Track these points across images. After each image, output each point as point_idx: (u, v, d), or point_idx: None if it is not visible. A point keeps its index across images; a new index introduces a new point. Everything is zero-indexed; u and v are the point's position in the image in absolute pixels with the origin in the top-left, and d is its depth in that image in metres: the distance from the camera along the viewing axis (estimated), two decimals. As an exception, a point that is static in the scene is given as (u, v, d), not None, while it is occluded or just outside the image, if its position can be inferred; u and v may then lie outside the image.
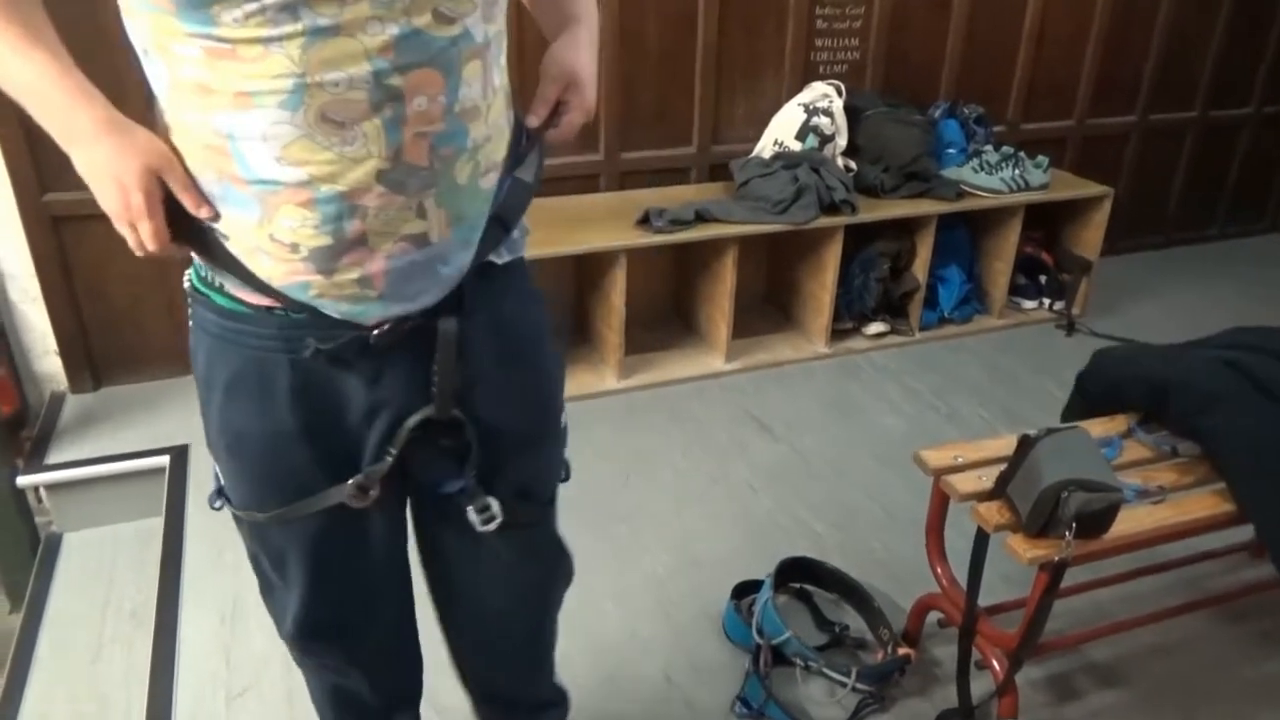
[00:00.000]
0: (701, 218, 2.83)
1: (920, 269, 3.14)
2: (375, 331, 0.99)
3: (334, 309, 0.97)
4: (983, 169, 3.18)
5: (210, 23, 0.82)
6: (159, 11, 0.83)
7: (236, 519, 1.16)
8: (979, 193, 3.16)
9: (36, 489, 2.38)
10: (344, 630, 1.26)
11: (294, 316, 0.98)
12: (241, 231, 0.93)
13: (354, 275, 0.95)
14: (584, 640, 1.92)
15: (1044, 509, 1.45)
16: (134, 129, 0.91)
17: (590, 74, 1.14)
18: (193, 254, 1.01)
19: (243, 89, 0.84)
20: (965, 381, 3.00)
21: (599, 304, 2.94)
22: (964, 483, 1.64)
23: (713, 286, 3.01)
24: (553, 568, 1.35)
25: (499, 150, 1.02)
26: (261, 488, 1.09)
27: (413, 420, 1.04)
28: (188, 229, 0.94)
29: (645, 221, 2.79)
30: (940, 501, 1.72)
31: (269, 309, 0.98)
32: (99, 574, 2.20)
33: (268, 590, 1.24)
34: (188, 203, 0.92)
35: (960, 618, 1.68)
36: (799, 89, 3.16)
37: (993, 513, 1.55)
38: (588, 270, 2.98)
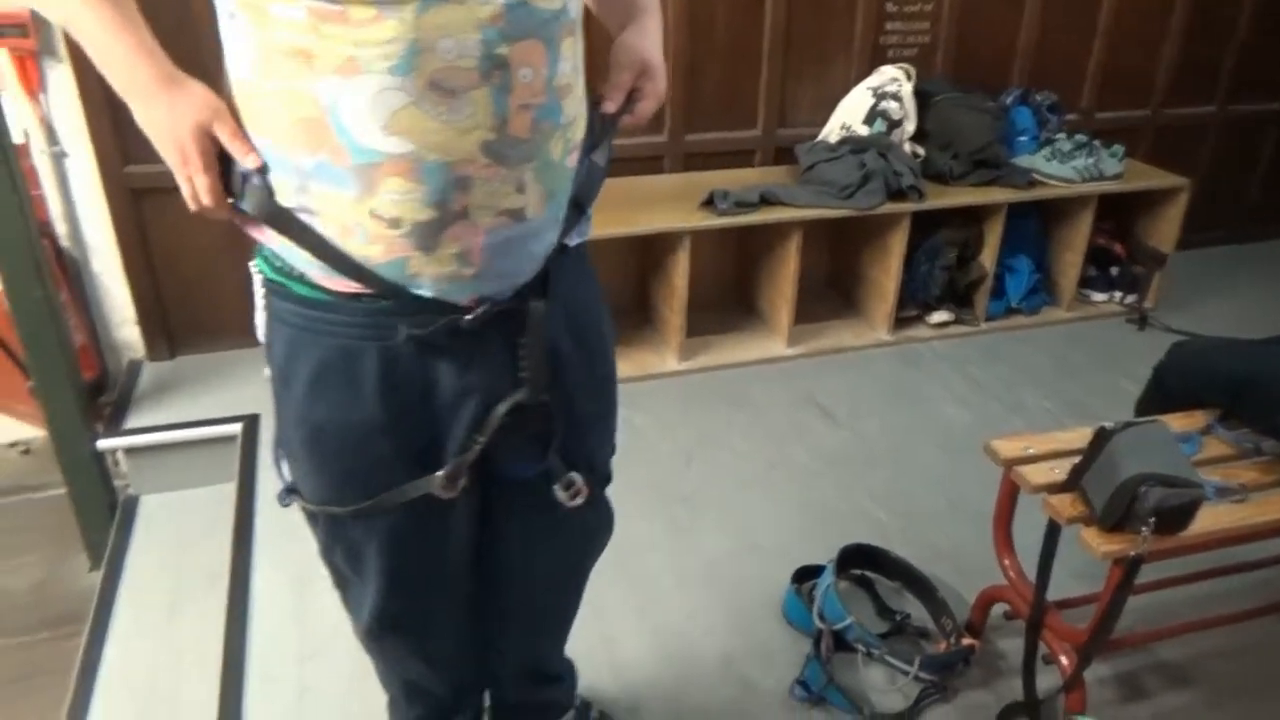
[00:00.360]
0: (766, 201, 2.82)
1: (988, 258, 3.09)
2: (469, 315, 0.98)
3: (429, 288, 0.96)
4: (1055, 157, 3.11)
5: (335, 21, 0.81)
6: None
7: (309, 515, 1.15)
8: (1051, 181, 3.10)
9: (115, 452, 2.46)
10: (420, 623, 1.27)
11: (382, 303, 0.97)
12: (337, 209, 0.91)
13: (454, 250, 0.94)
14: (642, 619, 1.94)
15: (1121, 503, 1.42)
16: (189, 83, 0.92)
17: (660, 61, 1.16)
18: (265, 243, 0.99)
19: (350, 54, 0.83)
20: (1032, 373, 2.95)
21: (661, 285, 2.94)
22: (1035, 474, 1.62)
23: (775, 270, 2.99)
24: (604, 535, 1.40)
25: (580, 130, 1.03)
26: (342, 481, 1.08)
27: (504, 406, 1.04)
28: (242, 190, 0.94)
29: (709, 203, 2.78)
30: (1010, 492, 1.70)
31: (354, 295, 0.97)
32: (174, 536, 2.26)
33: (342, 585, 1.24)
34: (236, 152, 0.92)
35: (1027, 611, 1.66)
36: (867, 73, 3.12)
37: (1066, 505, 1.52)
38: (651, 251, 2.98)
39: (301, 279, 0.98)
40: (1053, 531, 1.57)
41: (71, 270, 2.62)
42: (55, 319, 2.16)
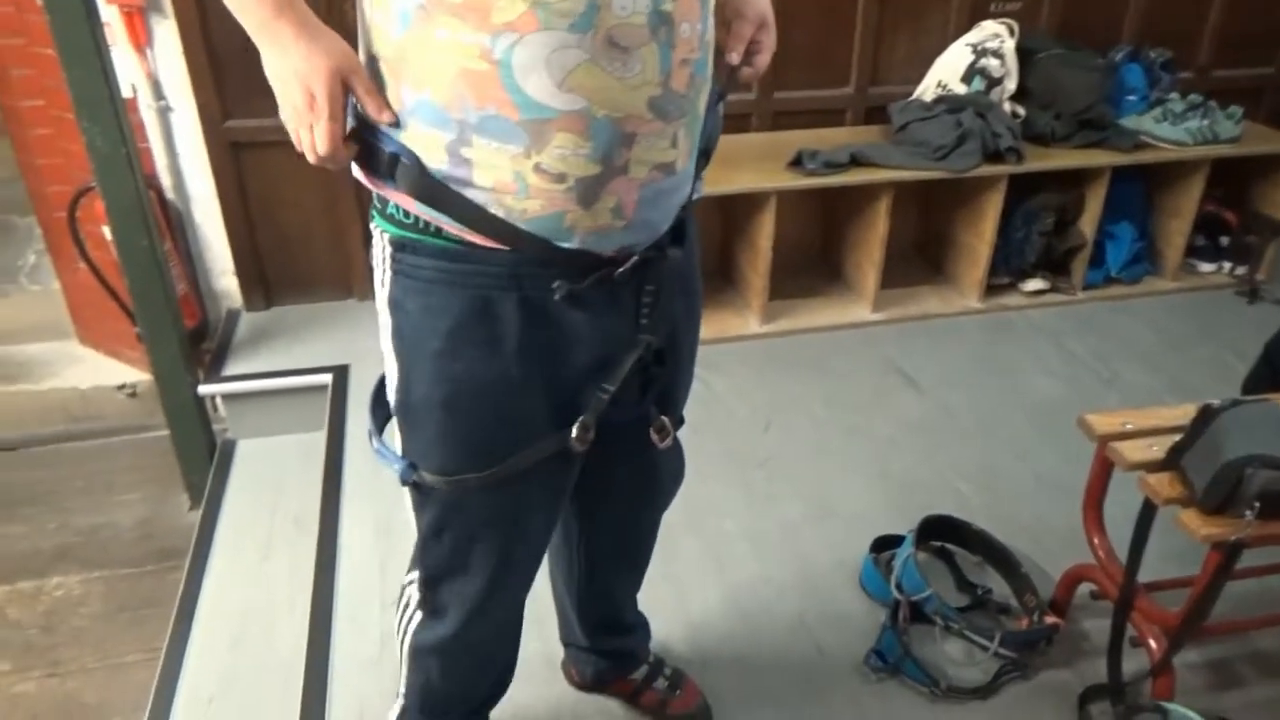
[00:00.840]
0: (856, 161, 2.75)
1: (1088, 224, 2.96)
2: (621, 268, 1.01)
3: (576, 240, 0.97)
4: (1166, 118, 2.96)
5: None
6: None
7: (423, 493, 1.13)
8: (1160, 144, 2.94)
9: (213, 398, 2.56)
10: (509, 610, 1.29)
11: (522, 253, 0.97)
12: (499, 162, 0.91)
13: (611, 204, 0.96)
14: (718, 578, 1.95)
15: (1224, 485, 1.36)
16: (325, 32, 0.92)
17: (772, 15, 1.15)
18: (387, 200, 0.99)
19: (530, 10, 0.84)
20: (1131, 346, 2.83)
21: (745, 246, 2.90)
22: (1132, 451, 1.55)
23: (863, 233, 2.93)
24: (681, 476, 1.44)
25: (713, 84, 1.05)
26: (478, 444, 1.07)
27: (633, 354, 1.06)
28: (392, 171, 0.95)
29: (797, 163, 2.73)
30: (1103, 469, 1.64)
31: (492, 248, 0.97)
32: (268, 480, 2.36)
33: (446, 575, 1.20)
34: (370, 107, 0.93)
35: (1116, 591, 1.61)
36: (967, 28, 2.99)
37: (1164, 484, 1.46)
38: (735, 211, 2.94)
39: (437, 232, 0.98)
40: (1148, 511, 1.51)
41: (175, 221, 2.71)
42: (160, 269, 2.24)
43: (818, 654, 1.80)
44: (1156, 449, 1.54)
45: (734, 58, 1.11)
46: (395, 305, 1.03)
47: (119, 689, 2.01)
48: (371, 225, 1.05)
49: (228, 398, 2.54)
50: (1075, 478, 1.70)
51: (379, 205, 1.02)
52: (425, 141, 0.93)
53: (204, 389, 2.49)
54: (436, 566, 1.20)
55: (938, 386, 2.63)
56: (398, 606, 1.31)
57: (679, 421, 1.30)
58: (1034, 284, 3.04)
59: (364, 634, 1.84)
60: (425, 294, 1.01)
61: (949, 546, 2.00)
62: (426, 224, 0.98)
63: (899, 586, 1.80)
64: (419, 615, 1.26)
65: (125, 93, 2.08)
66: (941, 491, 2.21)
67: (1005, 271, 3.04)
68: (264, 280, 2.87)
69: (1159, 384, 2.64)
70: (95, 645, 2.07)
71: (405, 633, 1.29)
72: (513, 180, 0.92)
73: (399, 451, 1.12)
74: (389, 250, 1.02)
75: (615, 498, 1.36)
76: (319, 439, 2.40)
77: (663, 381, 1.16)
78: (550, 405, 1.07)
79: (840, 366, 2.72)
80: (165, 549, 2.35)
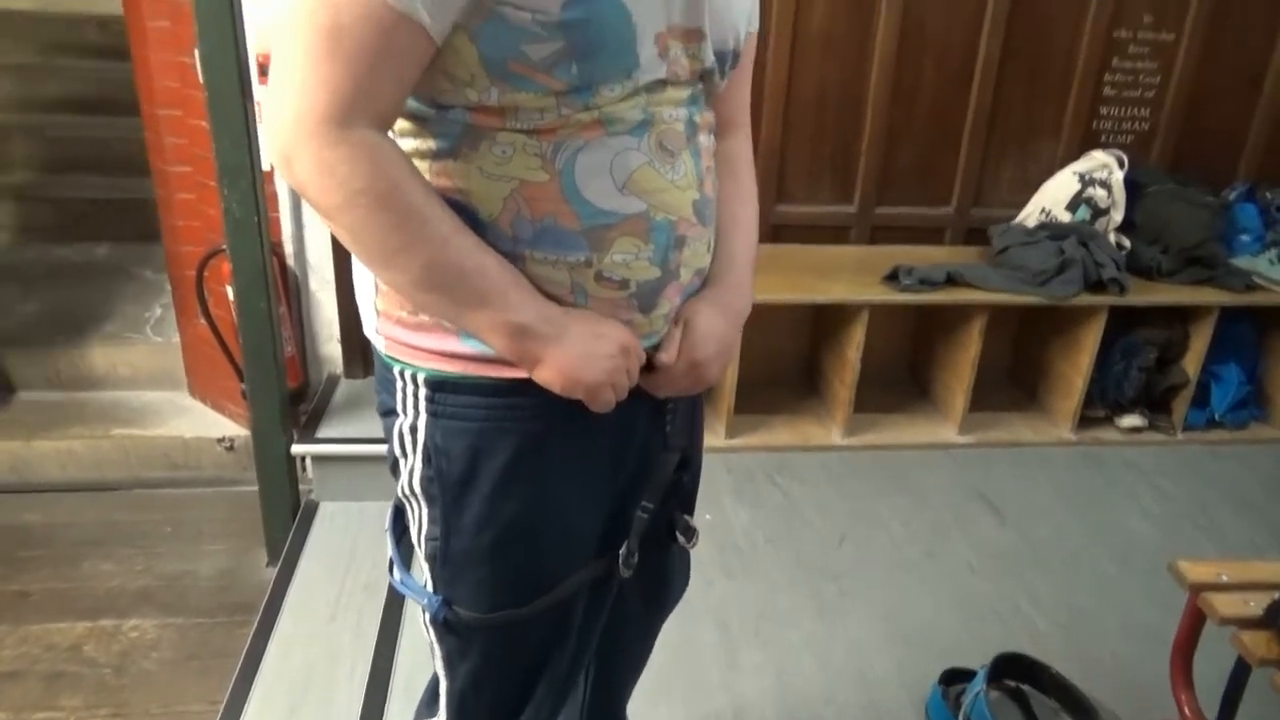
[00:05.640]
0: (953, 280, 2.74)
1: (1192, 363, 2.87)
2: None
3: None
4: (1281, 261, 2.87)
5: (590, 95, 0.87)
6: (534, 93, 0.86)
7: (465, 638, 1.06)
8: (1274, 286, 2.85)
9: (304, 458, 2.66)
10: None
11: None
12: (557, 276, 0.92)
13: (665, 310, 0.99)
14: (777, 693, 1.90)
15: (1324, 653, 1.28)
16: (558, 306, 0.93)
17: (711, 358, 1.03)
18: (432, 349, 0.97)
19: (592, 120, 0.89)
20: (1233, 494, 2.70)
21: (833, 357, 2.90)
22: (1227, 604, 1.48)
23: (954, 353, 2.89)
24: (688, 576, 1.36)
25: None
26: (524, 581, 1.03)
27: (670, 465, 1.07)
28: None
29: (893, 278, 2.73)
30: (1194, 621, 1.56)
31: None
32: (345, 544, 2.42)
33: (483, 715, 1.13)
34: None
35: (1202, 755, 1.51)
36: (1075, 157, 2.99)
37: (1260, 644, 1.38)
38: (826, 321, 2.96)
39: (484, 369, 0.95)
40: (1241, 671, 1.43)
41: (292, 286, 2.87)
42: (273, 330, 2.37)
43: (875, 785, 1.72)
44: (1254, 605, 1.46)
45: (663, 358, 1.00)
46: (436, 451, 0.98)
47: (178, 737, 2.05)
48: (398, 370, 1.00)
49: (317, 459, 2.63)
50: (1164, 627, 1.62)
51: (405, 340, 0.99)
52: None
53: (296, 448, 2.59)
54: (473, 712, 1.14)
55: (1022, 516, 2.54)
56: None
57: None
58: (1131, 420, 2.94)
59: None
60: (472, 436, 0.96)
61: (1023, 687, 1.91)
62: (471, 359, 0.95)
63: (966, 723, 1.72)
64: None
65: (265, 165, 2.24)
66: (1019, 627, 2.12)
67: (1101, 404, 2.96)
68: (365, 350, 2.99)
69: (1261, 537, 2.50)
70: (161, 691, 2.12)
71: None
72: (570, 292, 0.93)
73: (427, 586, 1.06)
74: (424, 392, 0.97)
75: (628, 604, 1.26)
76: (397, 508, 2.45)
77: (686, 487, 1.15)
78: (598, 526, 1.06)
79: (922, 486, 2.66)
80: (240, 603, 2.41)
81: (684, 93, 0.95)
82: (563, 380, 0.92)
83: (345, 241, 0.87)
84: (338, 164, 0.81)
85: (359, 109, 0.81)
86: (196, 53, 2.09)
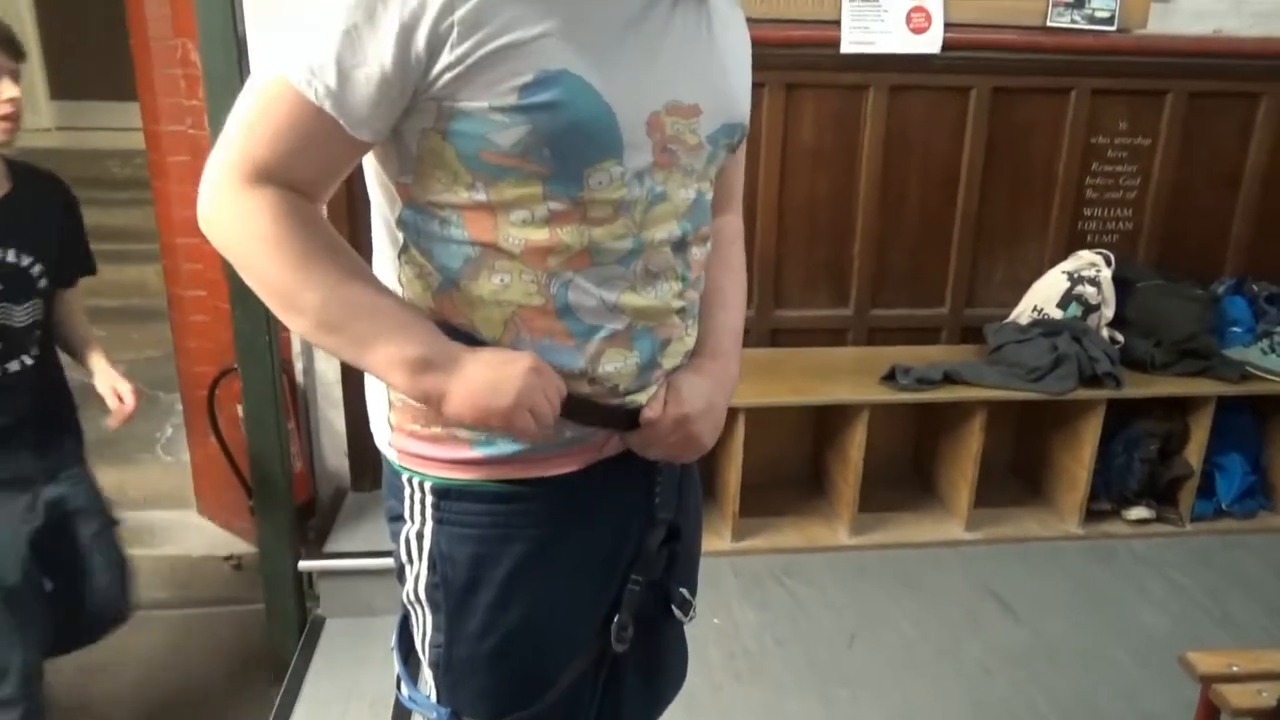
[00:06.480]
0: (950, 379, 2.78)
1: (1194, 453, 2.88)
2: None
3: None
4: (1273, 350, 2.92)
5: (578, 186, 0.90)
6: (514, 179, 0.89)
7: None
8: (1268, 376, 2.89)
9: (311, 574, 2.66)
10: None
11: (575, 476, 1.00)
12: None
13: (652, 392, 1.02)
14: (793, 804, 1.85)
15: (1338, 741, 1.27)
16: (459, 347, 0.93)
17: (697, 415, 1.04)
18: (429, 457, 1.00)
19: (586, 250, 0.93)
20: (1244, 584, 2.67)
21: (836, 457, 2.92)
22: (1239, 695, 1.46)
23: (956, 450, 2.92)
24: (686, 662, 1.30)
25: None
26: (527, 682, 1.03)
27: (658, 537, 1.06)
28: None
29: (891, 378, 2.78)
30: (1207, 713, 1.54)
31: (541, 479, 0.98)
32: (350, 660, 2.39)
33: None
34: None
35: None
36: (1063, 257, 3.07)
37: (1272, 736, 1.37)
38: (827, 422, 2.99)
39: (492, 471, 0.97)
40: (1257, 765, 1.41)
41: (300, 401, 2.92)
42: (283, 446, 2.41)
43: None
44: (1266, 695, 1.45)
45: (648, 413, 1.02)
46: (441, 558, 1.00)
47: None
48: (403, 474, 1.02)
49: (323, 574, 2.63)
50: (1179, 721, 1.60)
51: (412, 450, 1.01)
52: None
53: (304, 564, 2.59)
54: None
55: (1034, 613, 2.52)
56: None
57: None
58: (1138, 512, 2.94)
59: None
60: (477, 543, 0.98)
61: (1044, 789, 1.87)
62: (479, 463, 0.98)
63: (986, 829, 1.67)
64: None
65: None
66: (1037, 727, 2.08)
67: (1106, 497, 2.96)
68: (375, 465, 3.01)
69: (1275, 626, 2.47)
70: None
71: None
72: (569, 397, 0.97)
73: (432, 697, 1.06)
74: (430, 499, 1.00)
75: (625, 695, 1.17)
76: (404, 621, 2.44)
77: (681, 557, 1.13)
78: (596, 615, 1.06)
79: (931, 585, 2.65)
80: (244, 723, 2.38)
81: (680, 206, 0.97)
82: (473, 410, 0.90)
83: (250, 283, 0.92)
84: (245, 211, 0.87)
85: (272, 175, 0.87)
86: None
